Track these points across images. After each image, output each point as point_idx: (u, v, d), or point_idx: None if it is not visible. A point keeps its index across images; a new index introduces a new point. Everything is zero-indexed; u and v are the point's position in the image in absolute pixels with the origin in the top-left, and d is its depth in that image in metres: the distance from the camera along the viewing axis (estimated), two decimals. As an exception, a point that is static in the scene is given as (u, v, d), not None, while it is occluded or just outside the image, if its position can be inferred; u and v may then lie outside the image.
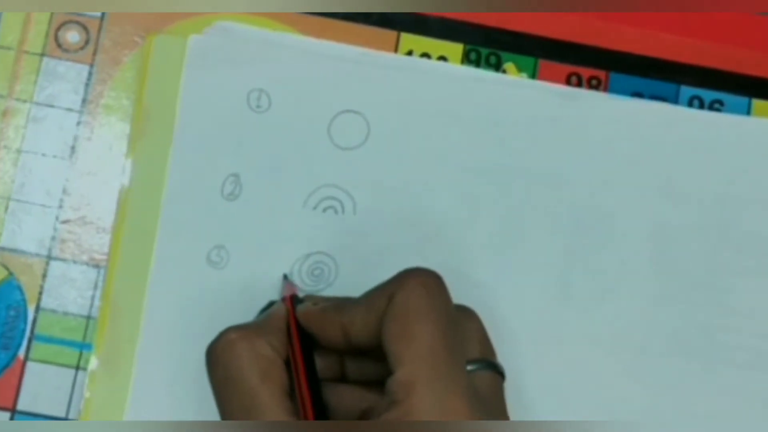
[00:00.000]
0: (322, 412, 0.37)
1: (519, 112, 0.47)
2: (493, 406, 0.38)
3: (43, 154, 0.46)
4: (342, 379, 0.40)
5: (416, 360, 0.35)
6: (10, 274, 0.45)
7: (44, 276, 0.45)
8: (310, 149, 0.46)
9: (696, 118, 0.47)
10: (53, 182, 0.46)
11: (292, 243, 0.45)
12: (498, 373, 0.39)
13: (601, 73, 0.48)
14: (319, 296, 0.41)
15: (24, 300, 0.45)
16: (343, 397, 0.39)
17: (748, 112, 0.48)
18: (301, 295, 0.42)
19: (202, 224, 0.45)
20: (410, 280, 0.36)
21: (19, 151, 0.46)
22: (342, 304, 0.38)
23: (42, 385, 0.44)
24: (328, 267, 0.45)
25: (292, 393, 0.37)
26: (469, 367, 0.37)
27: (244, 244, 0.45)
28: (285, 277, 0.44)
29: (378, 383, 0.39)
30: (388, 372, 0.36)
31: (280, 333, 0.39)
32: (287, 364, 0.38)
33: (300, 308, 0.40)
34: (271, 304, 0.42)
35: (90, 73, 0.47)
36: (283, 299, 0.41)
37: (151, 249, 0.45)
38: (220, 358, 0.37)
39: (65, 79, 0.46)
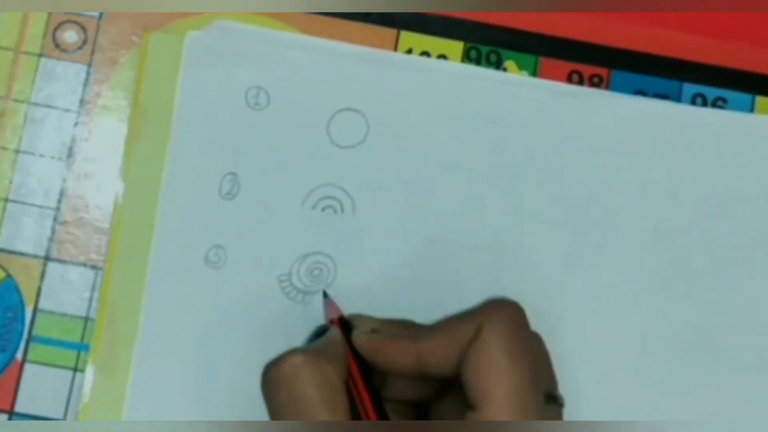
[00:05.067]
0: None
1: (520, 111, 0.46)
2: None
3: (41, 155, 0.46)
4: None
5: (505, 400, 0.35)
6: (8, 275, 0.45)
7: (42, 277, 0.45)
8: (308, 148, 0.45)
9: (699, 116, 0.47)
10: (51, 183, 0.46)
11: (291, 242, 0.45)
12: (559, 404, 0.38)
13: (602, 71, 0.48)
14: (370, 318, 0.40)
15: (22, 301, 0.45)
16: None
17: (751, 109, 0.48)
18: (345, 312, 0.41)
19: (200, 224, 0.45)
20: (499, 313, 0.36)
21: (16, 152, 0.46)
22: (414, 331, 0.38)
23: (40, 386, 0.44)
24: (326, 267, 0.45)
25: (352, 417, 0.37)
26: None
27: (242, 243, 0.45)
28: (325, 294, 0.44)
29: (410, 403, 0.39)
30: (431, 395, 0.37)
31: (343, 359, 0.38)
32: (346, 386, 0.37)
33: (361, 337, 0.39)
34: (322, 328, 0.41)
35: (88, 73, 0.46)
36: (332, 321, 0.40)
37: (148, 249, 0.44)
38: (284, 381, 0.36)
39: (63, 79, 0.46)
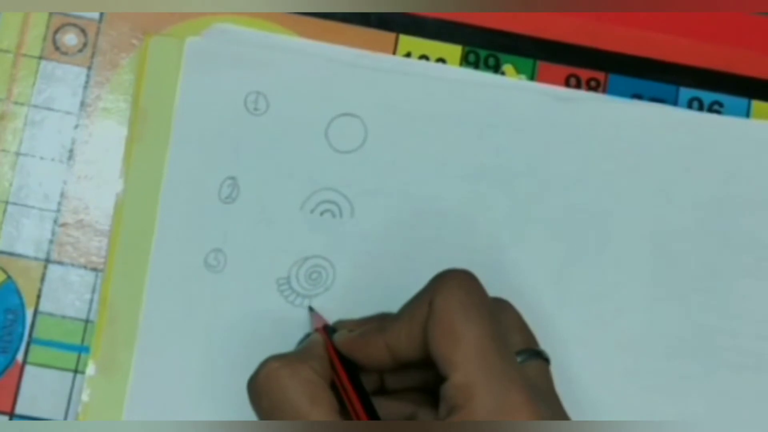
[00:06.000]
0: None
1: (518, 115, 0.47)
2: (547, 393, 0.38)
3: (41, 158, 0.46)
4: (381, 390, 0.40)
5: (469, 361, 0.35)
6: (8, 277, 0.45)
7: (42, 279, 0.45)
8: (307, 152, 0.46)
9: (695, 120, 0.47)
10: (51, 185, 0.46)
11: (290, 246, 0.45)
12: (543, 359, 0.38)
13: (600, 75, 0.48)
14: (350, 320, 0.41)
15: (22, 303, 0.45)
16: (385, 408, 0.39)
17: (747, 114, 0.48)
18: (330, 322, 0.42)
19: (200, 227, 0.45)
20: (446, 283, 0.36)
21: (17, 155, 0.46)
22: (381, 323, 0.38)
23: (40, 388, 0.44)
24: (325, 271, 0.45)
25: (341, 414, 0.37)
26: (517, 359, 0.37)
27: (241, 247, 0.45)
28: (311, 309, 0.44)
29: (416, 391, 0.39)
30: (432, 378, 0.36)
31: (322, 359, 0.38)
32: (332, 387, 0.37)
33: (339, 337, 0.39)
34: (307, 336, 0.42)
35: (88, 76, 0.46)
36: (317, 330, 0.41)
37: (148, 252, 0.45)
38: (264, 388, 0.37)
39: (63, 82, 0.46)
